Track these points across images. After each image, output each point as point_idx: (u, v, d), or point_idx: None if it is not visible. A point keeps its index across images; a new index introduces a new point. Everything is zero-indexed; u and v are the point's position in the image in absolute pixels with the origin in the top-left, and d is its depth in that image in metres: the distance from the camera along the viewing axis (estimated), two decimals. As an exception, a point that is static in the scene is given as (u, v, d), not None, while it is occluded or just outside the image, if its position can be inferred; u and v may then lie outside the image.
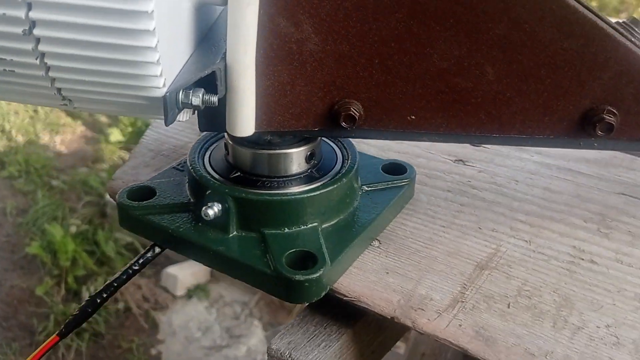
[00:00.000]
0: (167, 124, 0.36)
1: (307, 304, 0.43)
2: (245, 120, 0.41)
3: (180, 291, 2.41)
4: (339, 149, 0.50)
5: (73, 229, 2.59)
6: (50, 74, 0.34)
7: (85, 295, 2.35)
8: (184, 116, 0.41)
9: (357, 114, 0.41)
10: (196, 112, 0.44)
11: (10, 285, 2.28)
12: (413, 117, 0.42)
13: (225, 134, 0.47)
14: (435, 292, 0.43)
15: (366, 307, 0.42)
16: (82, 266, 2.43)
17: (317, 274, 0.40)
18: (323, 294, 0.42)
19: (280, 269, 0.41)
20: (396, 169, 0.51)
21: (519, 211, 0.51)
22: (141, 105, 0.36)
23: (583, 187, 0.54)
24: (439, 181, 0.55)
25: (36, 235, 2.56)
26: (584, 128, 0.42)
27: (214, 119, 0.42)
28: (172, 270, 2.43)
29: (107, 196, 2.58)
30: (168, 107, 0.35)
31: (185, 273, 2.44)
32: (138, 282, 2.47)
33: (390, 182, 0.50)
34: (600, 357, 0.38)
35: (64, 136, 3.25)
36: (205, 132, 0.50)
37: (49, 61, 0.34)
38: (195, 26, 0.40)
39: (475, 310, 0.41)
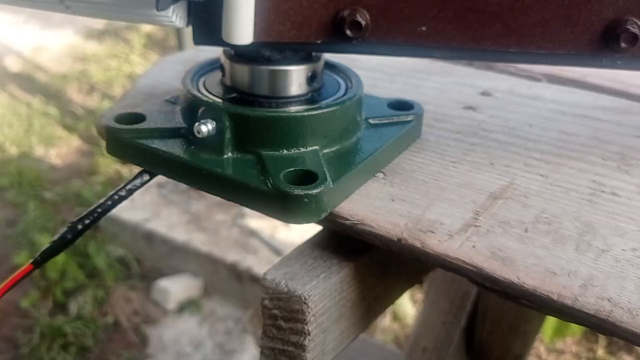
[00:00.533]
0: (158, 8, 0.33)
1: (305, 224, 0.39)
2: (243, 25, 0.38)
3: (171, 305, 2.35)
4: (343, 80, 0.47)
5: (64, 240, 2.53)
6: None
7: (74, 309, 2.28)
8: (179, 19, 0.38)
9: (364, 22, 0.38)
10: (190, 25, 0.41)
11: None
12: (424, 28, 0.39)
13: (221, 54, 0.44)
14: (446, 217, 0.39)
15: (370, 229, 0.38)
16: (71, 278, 2.37)
17: (318, 190, 0.37)
18: (323, 215, 0.38)
19: (278, 184, 0.37)
20: (402, 105, 0.48)
21: (533, 150, 0.48)
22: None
23: (601, 130, 0.51)
24: (448, 124, 0.52)
25: (25, 246, 2.50)
26: (607, 43, 0.39)
27: (209, 29, 0.39)
28: (163, 283, 2.37)
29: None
30: (160, -15, 0.32)
31: (177, 287, 2.39)
32: (129, 295, 2.41)
33: (396, 117, 0.47)
34: (628, 276, 0.34)
35: (59, 149, 3.22)
36: (198, 63, 0.48)
37: None
38: None
39: (489, 234, 0.38)
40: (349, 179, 0.40)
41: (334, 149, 0.42)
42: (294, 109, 0.42)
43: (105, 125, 0.43)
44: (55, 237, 0.40)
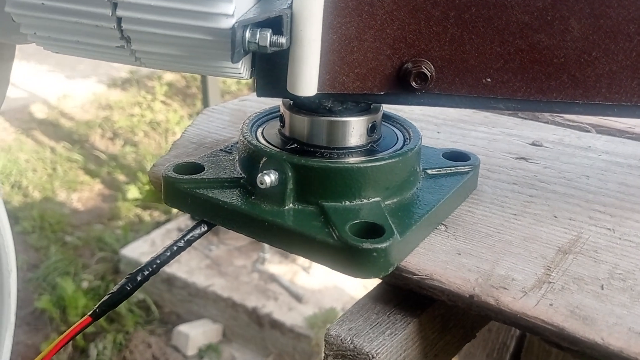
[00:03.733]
0: (233, 61, 0.33)
1: (371, 279, 0.38)
2: (308, 77, 0.38)
3: (191, 351, 2.32)
4: (400, 131, 0.46)
5: (85, 284, 2.53)
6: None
7: (94, 354, 2.25)
8: (245, 71, 0.38)
9: (429, 74, 0.38)
10: (254, 78, 0.41)
11: (16, 341, 2.20)
12: (489, 79, 0.39)
13: (281, 105, 0.44)
14: (516, 272, 0.38)
15: (439, 285, 0.37)
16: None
17: (386, 244, 0.36)
18: (391, 269, 0.37)
19: (345, 237, 0.36)
20: (458, 156, 0.48)
21: (595, 202, 0.46)
22: (207, 44, 0.34)
23: (661, 182, 0.50)
24: (503, 175, 0.51)
25: (46, 290, 2.50)
26: (676, 94, 0.38)
27: (273, 81, 0.40)
28: (183, 328, 2.35)
29: (121, 252, 2.54)
30: (236, 40, 0.32)
31: (197, 332, 2.36)
32: (148, 340, 2.38)
33: (453, 168, 0.46)
34: None
35: (81, 194, 3.25)
36: (255, 114, 0.48)
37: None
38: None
39: (565, 291, 0.36)
40: (415, 231, 0.39)
41: (395, 200, 0.42)
42: (355, 160, 0.41)
43: (164, 175, 0.43)
44: (114, 289, 0.39)
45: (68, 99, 4.19)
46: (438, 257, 0.39)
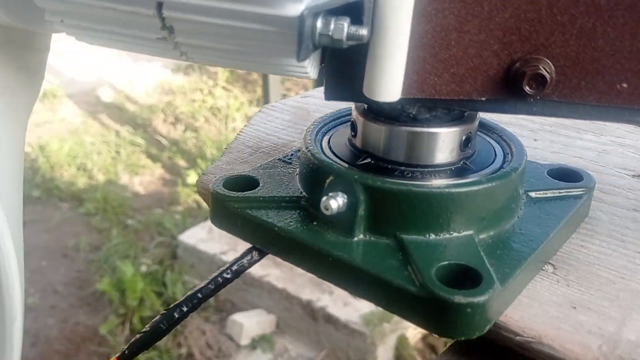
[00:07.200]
0: (299, 58, 0.25)
1: (461, 339, 0.30)
2: (391, 78, 0.30)
3: (244, 340, 2.30)
4: (497, 143, 0.38)
5: (143, 269, 2.55)
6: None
7: (149, 338, 2.27)
8: (312, 69, 0.30)
9: (549, 75, 0.30)
10: (323, 80, 0.34)
11: (75, 321, 2.23)
12: (625, 85, 0.30)
13: (353, 109, 0.36)
14: (654, 339, 0.29)
15: (551, 352, 0.29)
16: (148, 307, 2.37)
17: (484, 297, 0.28)
18: (488, 327, 0.29)
19: (431, 286, 0.28)
20: (568, 175, 0.39)
21: None
22: (267, 36, 0.26)
23: None
24: (620, 198, 0.41)
25: (107, 272, 2.54)
26: None
27: (345, 81, 0.32)
28: (237, 317, 2.33)
29: (179, 238, 2.54)
30: (304, 31, 0.25)
31: (251, 322, 2.33)
32: (203, 327, 2.38)
33: (563, 190, 0.37)
34: None
35: (142, 177, 3.28)
36: (321, 117, 0.40)
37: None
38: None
39: None
40: (519, 277, 0.31)
41: (491, 233, 0.33)
42: (443, 182, 0.33)
43: (212, 190, 0.36)
44: (147, 328, 0.33)
45: (133, 83, 4.26)
46: (547, 312, 0.31)
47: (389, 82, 0.30)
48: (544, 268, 0.34)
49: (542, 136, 0.50)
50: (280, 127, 0.52)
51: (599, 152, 0.48)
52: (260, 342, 2.30)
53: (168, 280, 2.45)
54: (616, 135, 0.51)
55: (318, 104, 0.57)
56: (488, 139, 0.38)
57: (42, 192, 3.10)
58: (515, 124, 0.52)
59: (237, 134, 0.50)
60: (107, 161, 3.39)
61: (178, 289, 2.43)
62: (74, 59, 4.10)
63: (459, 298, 0.28)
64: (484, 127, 0.39)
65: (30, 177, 3.14)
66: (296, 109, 0.56)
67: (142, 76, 4.34)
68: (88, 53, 4.12)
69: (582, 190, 0.38)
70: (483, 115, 0.40)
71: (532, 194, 0.37)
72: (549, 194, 0.37)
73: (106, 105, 4.02)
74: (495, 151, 0.37)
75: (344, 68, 0.32)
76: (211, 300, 2.42)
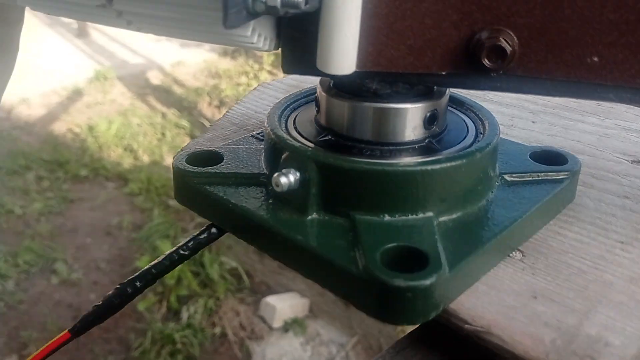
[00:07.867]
0: (225, 24, 0.24)
1: (406, 326, 0.29)
2: (343, 50, 0.28)
3: (277, 323, 2.32)
4: (472, 120, 0.36)
5: (181, 248, 2.60)
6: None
7: (185, 316, 2.32)
8: (262, 40, 0.29)
9: (510, 49, 0.28)
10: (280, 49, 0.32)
11: (116, 298, 2.30)
12: (595, 58, 0.28)
13: (318, 86, 0.35)
14: (614, 333, 0.27)
15: (499, 343, 0.27)
16: (185, 286, 2.43)
17: (428, 281, 0.26)
18: (433, 314, 0.28)
19: (372, 268, 0.27)
20: (551, 157, 0.36)
21: None
22: (198, 1, 0.25)
23: None
24: (612, 184, 0.39)
25: (147, 251, 2.60)
26: None
27: (303, 53, 0.31)
28: (271, 300, 2.35)
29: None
30: (228, -5, 0.24)
31: (284, 305, 2.35)
32: (237, 308, 2.42)
33: (542, 174, 0.35)
34: None
35: (186, 159, 3.34)
36: (292, 94, 0.39)
37: None
38: None
39: (688, 372, 0.25)
40: (474, 262, 0.29)
41: (454, 216, 0.32)
42: (404, 160, 0.31)
43: (173, 165, 0.36)
44: (100, 302, 0.33)
45: (181, 66, 4.33)
46: (504, 301, 0.29)
47: (342, 54, 0.28)
48: (511, 255, 0.32)
49: (542, 118, 0.47)
50: (270, 105, 0.51)
51: (600, 136, 0.45)
52: (292, 325, 2.32)
53: (205, 261, 2.50)
54: (622, 118, 0.47)
55: (315, 82, 0.56)
56: (462, 115, 0.36)
57: (90, 172, 3.20)
58: (516, 105, 0.49)
59: (226, 111, 0.50)
60: (152, 142, 3.46)
61: (214, 269, 2.47)
62: (126, 42, 4.20)
63: (399, 281, 0.26)
64: (462, 104, 0.37)
65: (79, 157, 3.25)
66: (291, 87, 0.55)
67: (190, 59, 4.41)
68: (139, 37, 4.21)
69: (565, 175, 0.35)
70: (466, 93, 0.38)
71: (508, 177, 0.35)
72: (526, 177, 0.35)
73: (154, 88, 4.10)
74: (468, 129, 0.35)
75: (300, 39, 0.30)
76: (247, 281, 2.46)
